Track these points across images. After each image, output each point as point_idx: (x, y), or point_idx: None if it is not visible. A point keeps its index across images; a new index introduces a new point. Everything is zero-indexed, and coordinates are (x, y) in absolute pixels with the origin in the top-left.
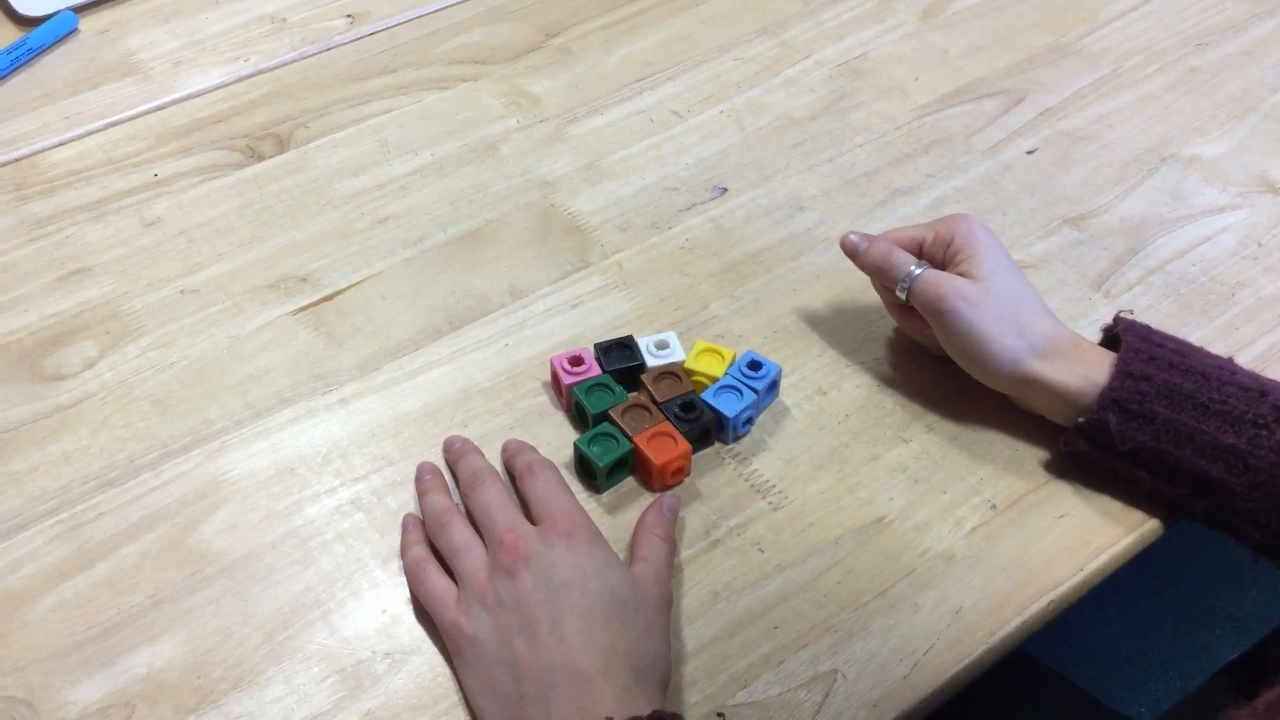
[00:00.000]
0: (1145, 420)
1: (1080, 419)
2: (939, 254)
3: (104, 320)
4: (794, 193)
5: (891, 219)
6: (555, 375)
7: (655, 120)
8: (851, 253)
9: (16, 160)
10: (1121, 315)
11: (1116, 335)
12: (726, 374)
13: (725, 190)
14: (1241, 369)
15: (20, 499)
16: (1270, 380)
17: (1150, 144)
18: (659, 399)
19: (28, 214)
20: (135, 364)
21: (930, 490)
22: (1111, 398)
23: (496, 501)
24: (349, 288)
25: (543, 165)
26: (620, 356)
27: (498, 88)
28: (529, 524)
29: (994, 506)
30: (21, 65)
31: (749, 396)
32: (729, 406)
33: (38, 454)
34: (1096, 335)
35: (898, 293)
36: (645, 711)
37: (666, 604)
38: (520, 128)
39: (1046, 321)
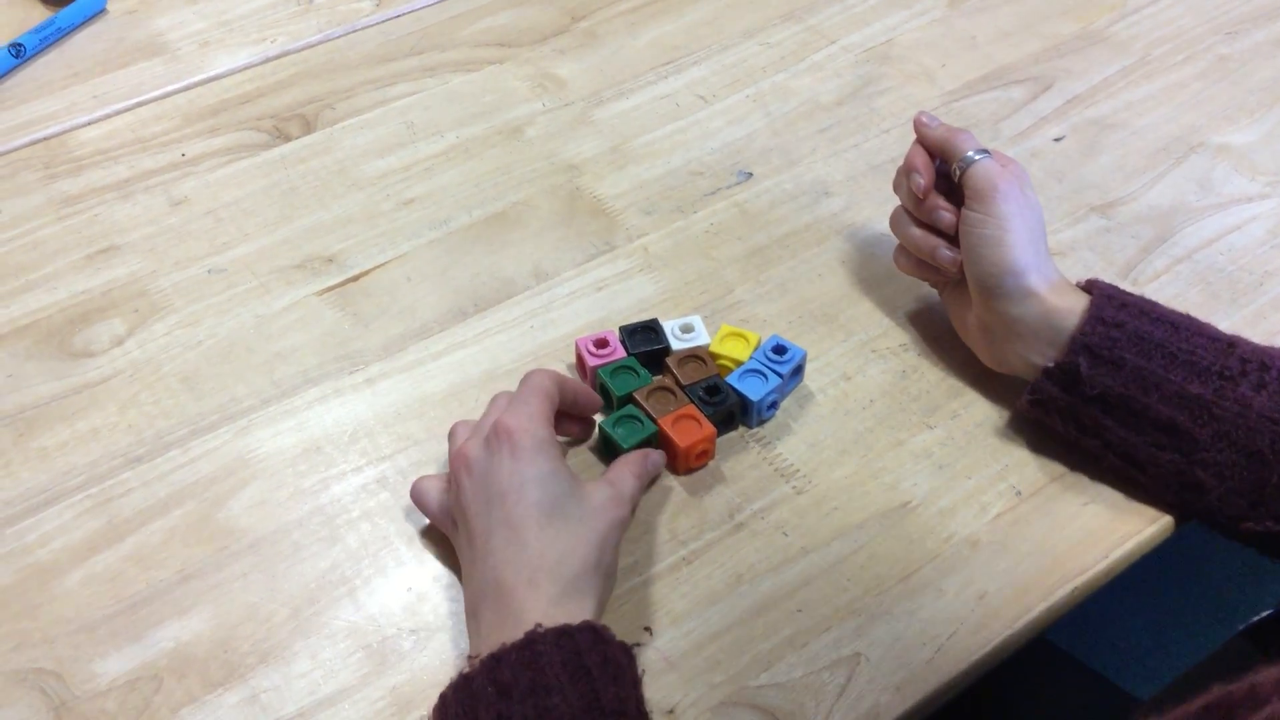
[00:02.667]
0: (1114, 366)
1: (1050, 363)
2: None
3: (132, 298)
4: (820, 178)
5: None
6: (580, 357)
7: (681, 104)
8: (923, 125)
9: (45, 139)
10: (1083, 280)
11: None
12: (751, 358)
13: (750, 175)
14: (1207, 324)
15: (50, 474)
16: (1237, 336)
17: (1179, 132)
18: (684, 382)
19: (56, 192)
20: (163, 342)
21: (955, 476)
22: (1083, 342)
23: (481, 417)
24: (375, 268)
25: (568, 148)
26: (645, 339)
27: (523, 70)
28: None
29: (1019, 493)
30: (50, 45)
31: (774, 380)
32: (754, 390)
33: (67, 430)
34: None
35: (955, 167)
36: (573, 621)
37: (619, 523)
38: (546, 110)
39: (1054, 267)
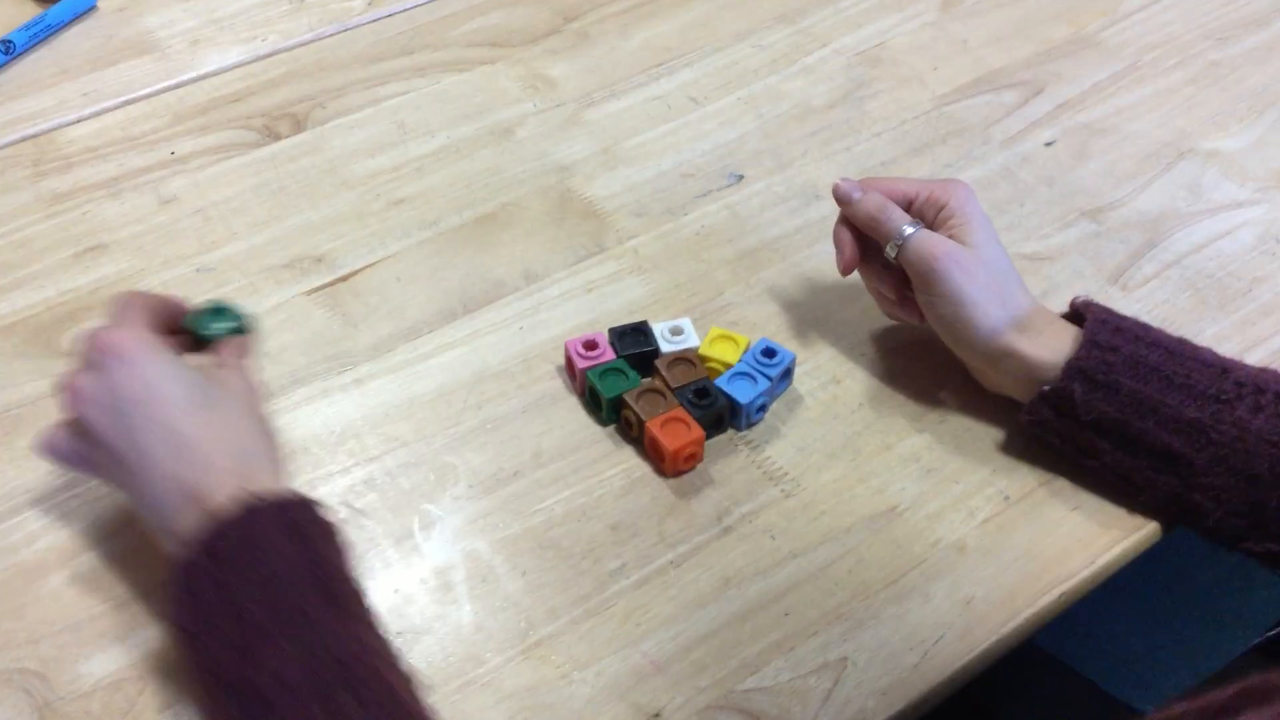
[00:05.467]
0: (1110, 390)
1: (1046, 386)
2: (930, 214)
3: None
4: (810, 181)
5: None
6: (569, 359)
7: (672, 106)
8: (844, 200)
9: (34, 136)
10: (1078, 299)
11: (1079, 314)
12: (741, 361)
13: (741, 177)
14: (1202, 347)
15: (36, 473)
16: (1231, 359)
17: (1169, 138)
18: (673, 384)
19: (45, 190)
20: None
21: (943, 480)
22: (1077, 367)
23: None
24: (364, 268)
25: (559, 149)
26: (635, 341)
27: (515, 71)
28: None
29: (1007, 498)
30: (40, 42)
31: (763, 384)
32: (743, 393)
33: None
34: None
35: (888, 250)
36: (274, 485)
37: (255, 392)
38: (537, 111)
39: (1025, 295)
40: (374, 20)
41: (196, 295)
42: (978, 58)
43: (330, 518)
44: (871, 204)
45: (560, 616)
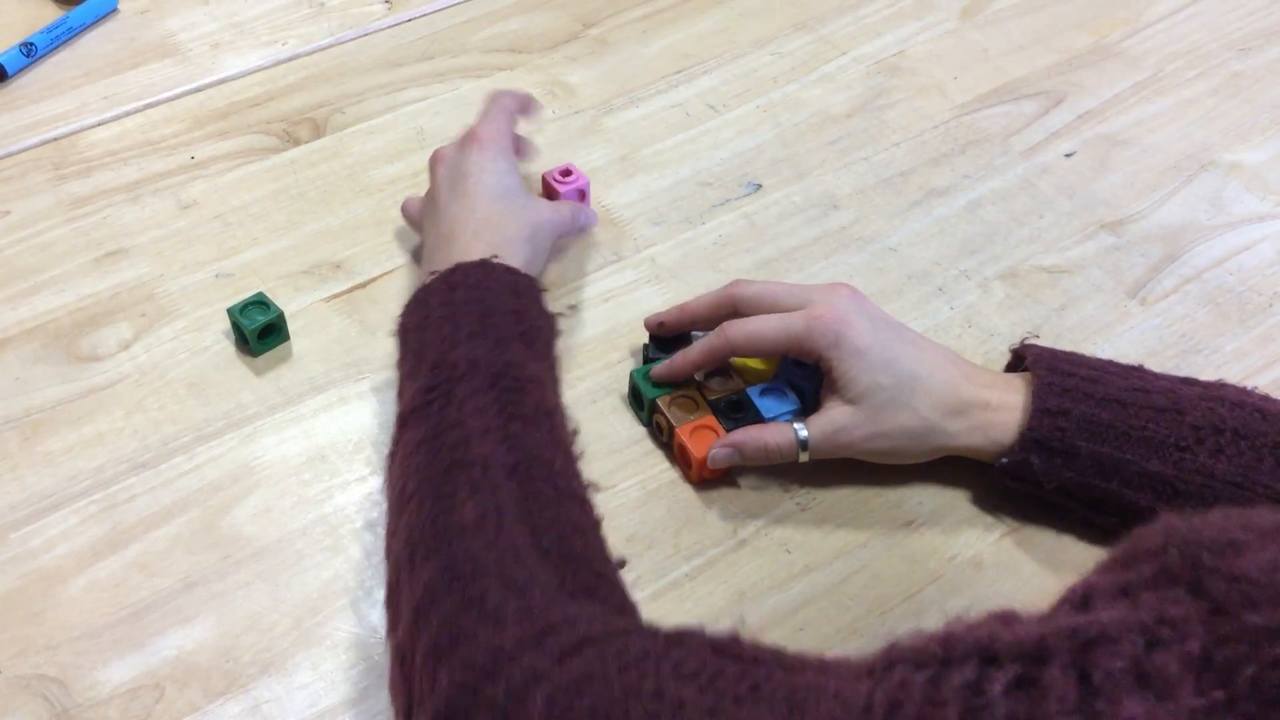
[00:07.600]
0: (1069, 456)
1: (1004, 459)
2: (810, 359)
3: (140, 302)
4: (829, 190)
5: (927, 219)
6: (547, 186)
7: (691, 114)
8: (726, 461)
9: (55, 139)
10: (1028, 343)
11: (1022, 356)
12: (777, 374)
13: (760, 186)
14: (1153, 382)
15: (55, 479)
16: (1184, 389)
17: (1190, 150)
18: (710, 394)
19: (65, 194)
20: (170, 347)
21: (959, 494)
22: (1032, 438)
23: None
24: (382, 275)
25: (577, 156)
26: (678, 348)
27: (534, 77)
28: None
29: (1024, 512)
30: (61, 44)
31: (791, 402)
32: (769, 409)
33: (72, 434)
34: (1127, 347)
35: (802, 457)
36: (516, 265)
37: (555, 224)
38: (555, 118)
39: (942, 376)
40: (393, 25)
41: (215, 301)
42: (998, 67)
43: (549, 307)
44: (752, 448)
45: None
